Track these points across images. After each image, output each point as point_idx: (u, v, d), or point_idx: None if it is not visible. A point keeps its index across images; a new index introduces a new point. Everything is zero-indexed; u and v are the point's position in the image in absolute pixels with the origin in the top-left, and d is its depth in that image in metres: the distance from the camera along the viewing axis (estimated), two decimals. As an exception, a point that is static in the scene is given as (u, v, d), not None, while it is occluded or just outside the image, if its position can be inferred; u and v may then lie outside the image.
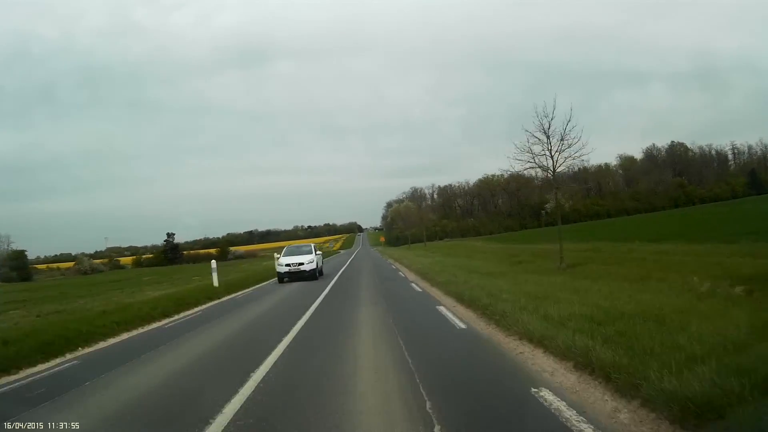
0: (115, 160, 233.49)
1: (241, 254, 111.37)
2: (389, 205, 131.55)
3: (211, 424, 4.06)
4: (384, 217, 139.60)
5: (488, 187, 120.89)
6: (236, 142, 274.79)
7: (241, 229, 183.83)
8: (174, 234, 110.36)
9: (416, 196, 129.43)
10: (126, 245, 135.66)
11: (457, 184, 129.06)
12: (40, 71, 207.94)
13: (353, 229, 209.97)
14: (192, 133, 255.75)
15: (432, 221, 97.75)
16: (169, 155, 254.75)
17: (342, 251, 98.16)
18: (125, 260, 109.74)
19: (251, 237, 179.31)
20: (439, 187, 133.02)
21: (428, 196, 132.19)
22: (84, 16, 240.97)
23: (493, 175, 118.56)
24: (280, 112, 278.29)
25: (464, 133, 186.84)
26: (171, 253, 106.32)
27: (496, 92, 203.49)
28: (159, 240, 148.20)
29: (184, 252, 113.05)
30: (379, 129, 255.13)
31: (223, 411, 4.33)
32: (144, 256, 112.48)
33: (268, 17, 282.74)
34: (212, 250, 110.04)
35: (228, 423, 4.07)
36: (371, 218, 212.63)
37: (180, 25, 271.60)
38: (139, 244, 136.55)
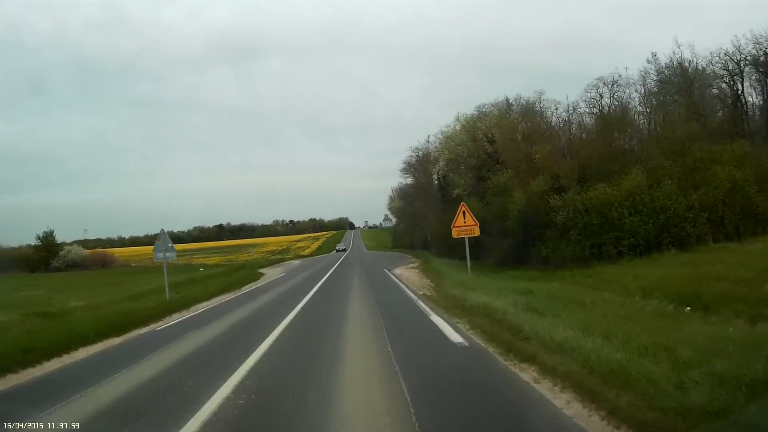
0: (104, 153, 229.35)
1: (79, 260, 59.95)
2: (419, 152, 49.45)
3: None
4: (403, 192, 63.49)
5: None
6: (227, 138, 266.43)
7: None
8: None
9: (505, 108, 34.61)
10: (106, 237, 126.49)
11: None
12: (31, 62, 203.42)
13: (343, 225, 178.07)
14: (182, 129, 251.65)
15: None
16: (158, 149, 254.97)
17: (302, 263, 47.30)
18: None
19: (221, 232, 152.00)
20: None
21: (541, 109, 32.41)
22: (77, 7, 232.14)
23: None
24: (271, 110, 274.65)
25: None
26: None
27: (490, 94, 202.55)
28: (141, 232, 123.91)
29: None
30: (372, 129, 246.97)
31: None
32: None
33: (260, 13, 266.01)
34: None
35: None
36: (363, 218, 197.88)
37: (172, 19, 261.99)
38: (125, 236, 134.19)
